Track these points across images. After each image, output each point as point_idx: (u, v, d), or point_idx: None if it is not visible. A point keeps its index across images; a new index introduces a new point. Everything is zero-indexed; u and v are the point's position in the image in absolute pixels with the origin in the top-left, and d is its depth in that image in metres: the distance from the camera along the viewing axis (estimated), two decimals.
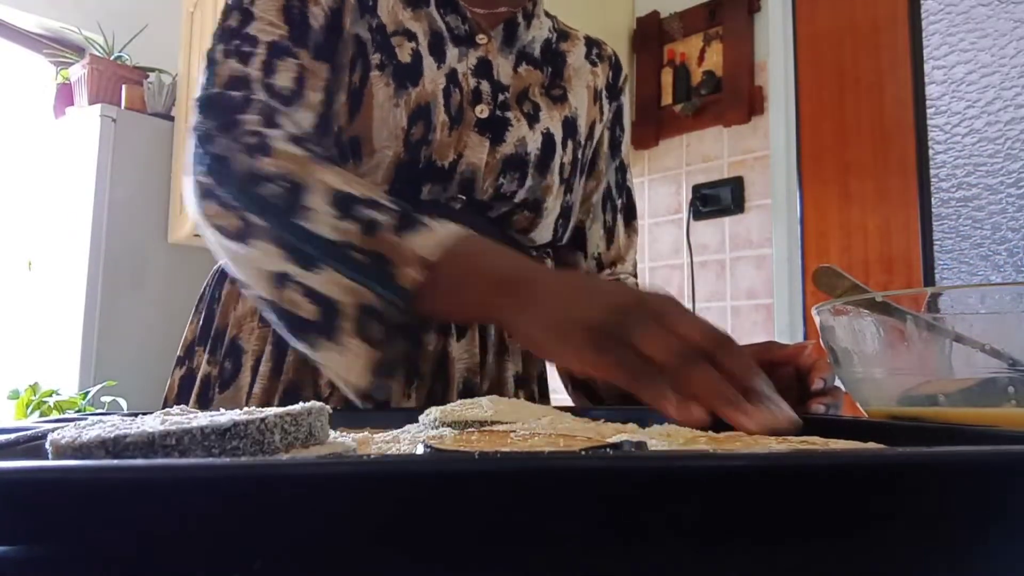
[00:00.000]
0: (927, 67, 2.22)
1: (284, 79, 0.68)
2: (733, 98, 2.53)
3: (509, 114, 0.78)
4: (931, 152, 2.19)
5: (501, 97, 0.78)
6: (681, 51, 2.71)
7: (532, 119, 0.79)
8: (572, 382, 0.89)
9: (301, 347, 0.58)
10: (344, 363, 0.55)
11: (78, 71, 2.67)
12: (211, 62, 0.70)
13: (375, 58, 0.73)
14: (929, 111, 2.21)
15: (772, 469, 0.21)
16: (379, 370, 0.55)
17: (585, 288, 0.52)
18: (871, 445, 0.36)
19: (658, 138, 2.70)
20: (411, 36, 0.75)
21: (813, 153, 2.42)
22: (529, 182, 0.78)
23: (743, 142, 2.53)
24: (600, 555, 0.20)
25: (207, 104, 0.66)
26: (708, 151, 2.60)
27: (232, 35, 0.69)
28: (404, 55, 0.74)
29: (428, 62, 0.75)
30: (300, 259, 0.57)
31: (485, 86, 0.78)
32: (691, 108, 2.61)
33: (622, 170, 0.95)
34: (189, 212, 0.64)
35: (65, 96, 2.74)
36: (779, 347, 0.68)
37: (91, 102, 2.61)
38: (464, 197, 0.75)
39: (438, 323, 0.68)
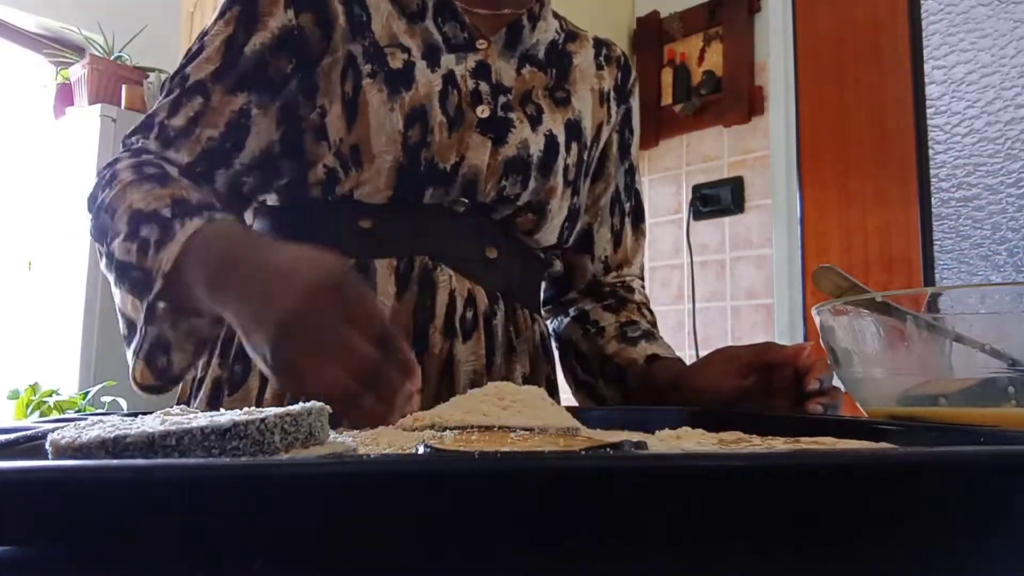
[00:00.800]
0: (927, 67, 2.22)
1: (180, 119, 0.72)
2: (733, 98, 2.53)
3: (512, 115, 0.77)
4: (931, 152, 2.19)
5: (503, 99, 0.78)
6: (681, 51, 2.71)
7: (535, 121, 0.78)
8: (575, 383, 0.88)
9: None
10: (139, 370, 0.66)
11: (78, 71, 2.67)
12: (160, 90, 0.78)
13: (366, 68, 0.73)
14: (929, 111, 2.21)
15: (772, 469, 0.21)
16: (164, 381, 0.67)
17: (274, 281, 0.54)
18: (883, 445, 0.36)
19: (658, 138, 2.70)
20: (404, 49, 0.75)
21: (813, 153, 2.42)
22: (532, 184, 0.77)
23: (743, 142, 2.53)
24: (600, 555, 0.20)
25: (123, 142, 0.77)
26: (708, 151, 2.60)
27: (175, 74, 0.75)
28: (396, 63, 0.74)
29: (420, 66, 0.75)
30: (114, 278, 0.66)
31: (484, 87, 0.77)
32: (691, 108, 2.61)
33: (631, 173, 0.95)
34: None
35: (65, 96, 2.74)
36: (778, 348, 0.68)
37: (91, 102, 2.61)
38: (467, 200, 0.75)
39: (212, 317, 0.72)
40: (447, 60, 0.76)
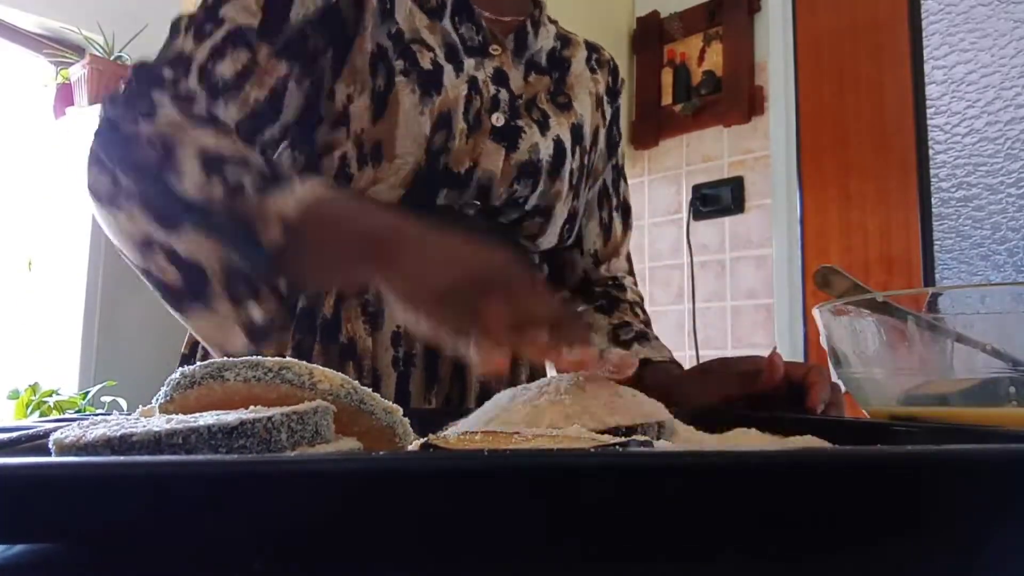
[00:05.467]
0: (927, 67, 2.22)
1: (227, 69, 0.65)
2: (733, 98, 2.53)
3: (521, 122, 0.78)
4: (931, 152, 2.19)
5: (515, 105, 0.79)
6: (681, 51, 2.71)
7: (543, 126, 0.80)
8: None
9: (177, 316, 0.57)
10: (214, 327, 0.55)
11: (78, 71, 2.67)
12: (173, 30, 0.67)
13: (399, 64, 0.72)
14: (929, 111, 2.21)
15: (775, 466, 0.21)
16: (254, 335, 0.55)
17: (446, 252, 0.50)
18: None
19: (658, 138, 2.69)
20: (429, 47, 0.75)
21: (813, 153, 2.42)
22: (541, 187, 0.79)
23: (743, 142, 2.53)
24: (601, 557, 0.20)
25: (136, 72, 0.64)
26: (708, 151, 2.60)
27: (205, 10, 0.67)
28: (425, 62, 0.73)
29: (448, 69, 0.74)
30: (164, 221, 0.55)
31: (504, 95, 0.78)
32: (691, 108, 2.61)
33: (617, 168, 0.97)
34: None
35: (65, 96, 2.73)
36: (768, 375, 0.63)
37: (91, 102, 2.61)
38: (479, 203, 0.76)
39: (309, 287, 0.64)
40: (468, 64, 0.77)
